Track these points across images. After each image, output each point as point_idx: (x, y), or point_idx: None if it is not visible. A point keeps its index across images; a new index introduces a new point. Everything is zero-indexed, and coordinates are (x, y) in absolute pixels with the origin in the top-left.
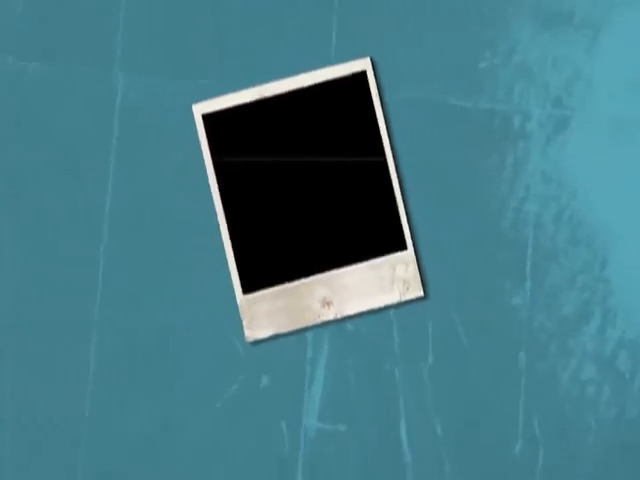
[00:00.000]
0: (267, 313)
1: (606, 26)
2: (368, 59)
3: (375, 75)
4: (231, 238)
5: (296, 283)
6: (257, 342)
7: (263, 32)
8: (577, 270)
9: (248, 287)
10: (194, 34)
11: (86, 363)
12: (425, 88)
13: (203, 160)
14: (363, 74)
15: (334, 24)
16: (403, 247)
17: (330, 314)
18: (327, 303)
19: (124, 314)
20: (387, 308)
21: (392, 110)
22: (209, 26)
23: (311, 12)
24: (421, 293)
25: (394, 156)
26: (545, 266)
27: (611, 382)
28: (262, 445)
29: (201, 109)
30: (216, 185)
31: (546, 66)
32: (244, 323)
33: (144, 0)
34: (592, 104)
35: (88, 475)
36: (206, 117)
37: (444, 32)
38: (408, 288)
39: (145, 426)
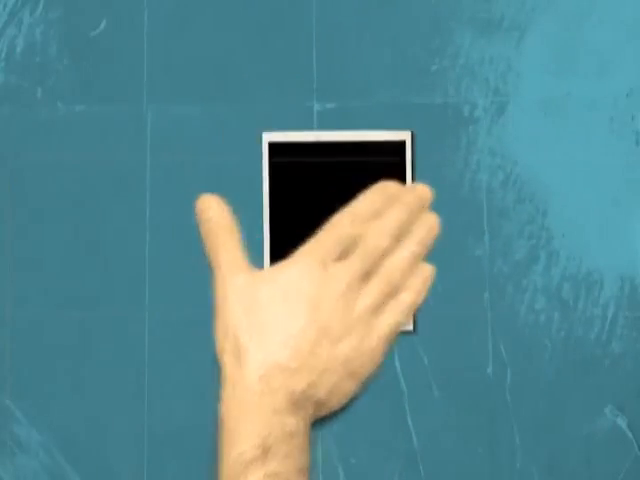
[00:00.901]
0: None
1: (529, 27)
2: (409, 132)
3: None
4: (271, 242)
5: None
6: None
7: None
8: (524, 222)
9: None
10: (208, 67)
11: (142, 339)
12: (393, 91)
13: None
14: (403, 143)
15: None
16: None
17: None
18: None
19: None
20: None
21: (372, 110)
22: (214, 58)
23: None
24: None
25: None
26: (498, 222)
27: (559, 309)
28: None
29: (269, 138)
30: (268, 199)
31: (484, 64)
32: None
33: (162, 45)
34: (523, 90)
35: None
36: (271, 145)
37: (404, 46)
38: None
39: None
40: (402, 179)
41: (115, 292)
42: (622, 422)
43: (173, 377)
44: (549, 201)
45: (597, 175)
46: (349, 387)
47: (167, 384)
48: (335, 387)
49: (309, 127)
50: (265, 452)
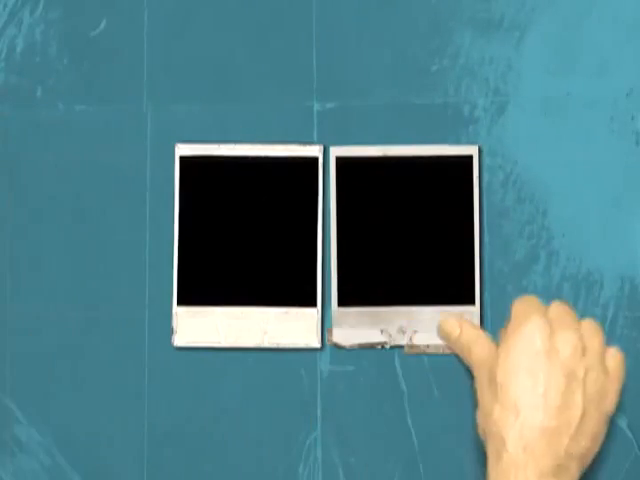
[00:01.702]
0: (352, 326)
1: (530, 27)
2: (476, 147)
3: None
4: (338, 266)
5: (381, 309)
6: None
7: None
8: (524, 222)
9: (342, 302)
10: (210, 67)
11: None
12: (393, 91)
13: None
14: (470, 157)
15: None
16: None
17: (402, 340)
18: (402, 331)
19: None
20: None
21: (370, 109)
22: (214, 58)
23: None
24: None
25: (480, 231)
26: (498, 222)
27: None
28: (287, 387)
29: (335, 152)
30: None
31: (484, 64)
32: (333, 330)
33: (162, 45)
34: (523, 90)
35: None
36: (338, 159)
37: (404, 46)
38: None
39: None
40: (469, 194)
41: (115, 292)
42: (622, 422)
43: (173, 377)
44: (549, 201)
45: (597, 175)
46: (602, 423)
47: (167, 384)
48: (593, 431)
49: (309, 127)
50: None
